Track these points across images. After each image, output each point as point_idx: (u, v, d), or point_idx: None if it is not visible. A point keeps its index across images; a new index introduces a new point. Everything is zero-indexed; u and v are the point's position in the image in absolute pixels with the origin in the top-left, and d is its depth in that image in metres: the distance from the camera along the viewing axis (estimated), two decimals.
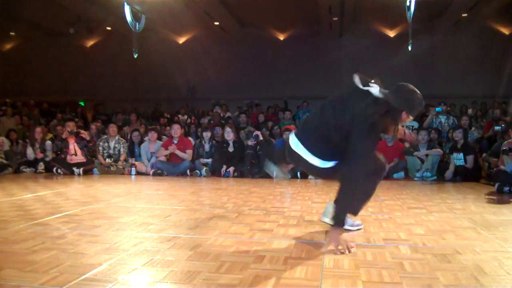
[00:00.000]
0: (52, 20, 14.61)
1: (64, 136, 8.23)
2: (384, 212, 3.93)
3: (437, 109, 8.89)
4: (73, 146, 7.99)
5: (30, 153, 8.55)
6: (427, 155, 7.29)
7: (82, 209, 4.11)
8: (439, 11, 13.35)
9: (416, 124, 9.06)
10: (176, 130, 8.00)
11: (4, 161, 8.29)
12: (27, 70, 16.83)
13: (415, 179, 7.18)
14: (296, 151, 2.89)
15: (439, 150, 7.38)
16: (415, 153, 7.39)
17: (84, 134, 8.35)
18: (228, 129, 8.04)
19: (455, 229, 3.23)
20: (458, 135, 7.14)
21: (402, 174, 7.53)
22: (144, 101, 14.97)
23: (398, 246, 2.71)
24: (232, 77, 15.91)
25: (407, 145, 7.96)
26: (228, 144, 7.95)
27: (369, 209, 4.08)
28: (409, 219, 3.60)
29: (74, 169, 7.79)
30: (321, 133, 2.82)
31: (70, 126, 8.24)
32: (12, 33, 16.74)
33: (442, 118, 8.89)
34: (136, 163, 8.09)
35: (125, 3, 11.16)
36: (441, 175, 7.15)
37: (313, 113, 3.28)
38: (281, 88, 15.26)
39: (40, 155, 8.41)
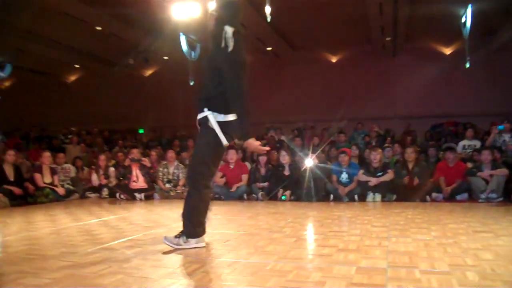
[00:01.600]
0: (112, 51, 15.40)
1: (126, 163, 8.58)
2: (448, 236, 3.79)
3: (499, 127, 8.54)
4: (135, 172, 8.31)
5: (94, 179, 8.96)
6: (491, 176, 6.98)
7: (144, 233, 4.25)
8: (497, 26, 12.91)
9: (478, 144, 8.75)
10: (231, 156, 8.13)
11: (71, 187, 8.73)
12: (89, 100, 17.73)
13: (480, 200, 6.86)
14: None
15: (504, 170, 7.03)
16: (479, 173, 7.09)
17: (145, 161, 8.65)
18: (283, 153, 8.08)
19: None
20: None
21: (465, 195, 7.23)
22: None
23: (465, 273, 2.60)
24: (285, 101, 16.01)
25: (469, 165, 7.68)
26: (284, 168, 7.97)
27: (432, 233, 3.96)
28: (476, 244, 3.45)
29: (136, 194, 8.07)
30: None
31: (134, 152, 8.59)
32: (76, 66, 17.77)
33: (506, 137, 8.50)
34: None
35: (181, 33, 11.62)
36: (507, 196, 6.81)
37: None
38: (335, 110, 15.20)
39: (104, 181, 8.79)
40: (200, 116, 3.47)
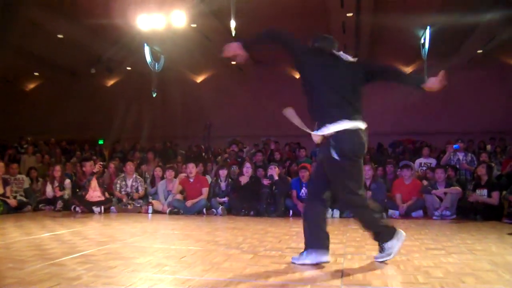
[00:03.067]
0: (74, 60, 15.10)
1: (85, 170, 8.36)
2: (402, 254, 3.85)
3: (454, 146, 8.82)
4: (95, 183, 8.08)
5: (49, 191, 8.66)
6: (445, 193, 7.19)
7: (98, 249, 4.13)
8: (454, 48, 13.44)
9: (434, 162, 8.99)
10: (191, 169, 8.06)
11: (24, 199, 8.42)
12: (48, 109, 17.30)
13: (434, 218, 7.06)
14: None
15: (457, 188, 7.27)
16: (433, 191, 7.29)
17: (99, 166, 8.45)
18: (247, 164, 8.10)
19: (475, 271, 3.15)
20: (482, 170, 7.07)
21: (420, 213, 7.43)
22: (159, 138, 15.11)
23: None
24: (248, 115, 16.09)
25: (425, 182, 7.88)
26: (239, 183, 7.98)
27: None
28: (428, 261, 3.53)
29: (94, 208, 7.84)
30: None
31: (87, 166, 8.37)
32: (36, 73, 17.31)
33: (460, 155, 8.80)
34: (153, 201, 8.14)
35: (145, 44, 11.53)
36: (460, 214, 7.03)
37: None
38: (295, 125, 15.34)
39: (59, 193, 8.51)
40: None
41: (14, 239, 4.78)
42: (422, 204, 7.45)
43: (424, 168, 9.06)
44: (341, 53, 3.48)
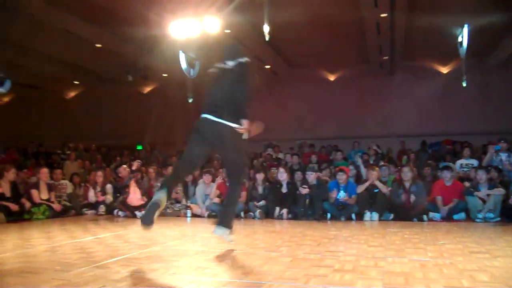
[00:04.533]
0: (111, 68, 15.49)
1: (121, 175, 8.56)
2: (445, 257, 3.78)
3: (496, 147, 8.57)
4: (134, 187, 8.26)
5: (91, 195, 8.92)
6: (489, 195, 6.98)
7: (140, 252, 4.23)
8: (493, 45, 13.05)
9: (475, 163, 8.76)
10: (223, 174, 8.14)
11: (67, 204, 8.70)
12: (88, 116, 17.80)
13: (477, 220, 6.85)
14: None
15: (501, 189, 7.04)
16: (476, 193, 7.09)
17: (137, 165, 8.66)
18: (281, 170, 8.09)
19: None
20: None
21: (463, 215, 7.22)
22: None
23: None
24: (283, 118, 16.08)
25: (466, 184, 7.68)
26: (281, 185, 7.97)
27: (428, 254, 3.95)
28: (472, 265, 3.44)
29: (137, 212, 8.00)
30: None
31: (121, 171, 8.59)
32: (76, 82, 17.85)
33: (503, 156, 8.52)
34: (191, 205, 8.25)
35: (181, 51, 11.71)
36: (504, 216, 6.81)
37: None
38: (331, 127, 15.27)
39: (101, 198, 8.75)
40: None
41: (60, 242, 4.95)
42: (464, 207, 7.25)
43: (465, 169, 8.84)
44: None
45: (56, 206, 8.17)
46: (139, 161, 8.74)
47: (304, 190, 7.53)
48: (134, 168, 8.46)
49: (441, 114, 14.69)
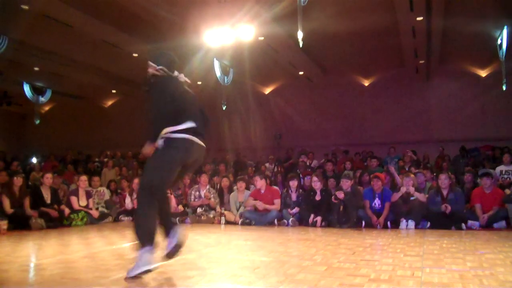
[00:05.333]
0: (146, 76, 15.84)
1: None
2: (485, 267, 3.67)
3: None
4: (169, 194, 8.38)
5: (128, 202, 9.09)
6: None
7: (176, 259, 4.27)
8: None
9: None
10: (257, 183, 8.15)
11: (105, 210, 8.90)
12: (125, 124, 18.19)
13: None
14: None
15: None
16: None
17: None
18: (315, 178, 8.04)
19: None
20: None
21: (503, 224, 6.98)
22: (229, 150, 15.32)
23: None
24: (317, 124, 16.02)
25: (507, 192, 7.44)
26: (315, 193, 7.93)
27: (467, 264, 3.85)
28: None
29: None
30: None
31: None
32: (113, 91, 18.31)
33: None
34: (225, 212, 8.31)
35: (215, 59, 11.86)
36: None
37: None
38: (367, 133, 15.09)
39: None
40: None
41: (99, 248, 5.07)
42: (505, 215, 7.00)
43: (506, 176, 8.56)
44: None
45: (94, 213, 8.37)
46: None
47: (340, 195, 7.41)
48: None
49: (480, 119, 14.31)
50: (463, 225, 6.86)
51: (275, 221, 7.82)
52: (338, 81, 16.06)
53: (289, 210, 7.96)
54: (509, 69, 11.52)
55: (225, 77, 12.21)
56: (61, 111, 19.68)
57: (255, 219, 7.89)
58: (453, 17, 10.31)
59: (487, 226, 6.92)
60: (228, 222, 8.15)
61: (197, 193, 8.71)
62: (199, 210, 8.48)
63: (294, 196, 8.16)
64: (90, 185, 9.02)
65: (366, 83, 16.42)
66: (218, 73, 11.90)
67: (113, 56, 13.36)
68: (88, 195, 8.55)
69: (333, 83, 16.13)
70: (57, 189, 8.77)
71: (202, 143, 3.67)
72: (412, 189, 7.35)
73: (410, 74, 14.91)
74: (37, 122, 17.03)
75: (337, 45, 13.02)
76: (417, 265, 3.81)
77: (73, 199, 8.26)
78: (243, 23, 9.55)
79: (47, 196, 8.01)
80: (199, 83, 16.28)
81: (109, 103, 20.01)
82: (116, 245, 5.36)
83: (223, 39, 10.01)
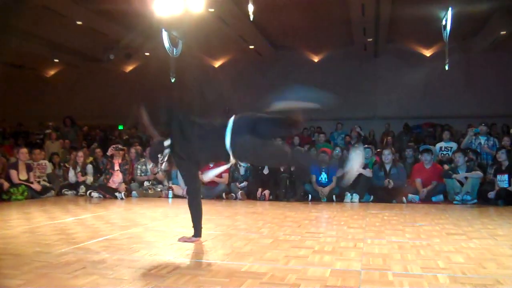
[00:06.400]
0: (93, 47, 15.21)
1: (109, 153, 8.45)
2: (422, 239, 3.85)
3: (475, 130, 8.68)
4: (117, 169, 8.18)
5: (71, 175, 8.81)
6: (466, 178, 7.10)
7: (121, 233, 4.21)
8: (476, 29, 13.13)
9: (455, 146, 8.88)
10: None
11: (47, 184, 8.57)
12: (69, 95, 17.51)
13: (455, 202, 6.96)
14: None
15: (479, 172, 7.16)
16: (454, 175, 7.20)
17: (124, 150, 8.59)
18: None
19: (496, 257, 3.14)
20: (501, 156, 6.97)
21: (441, 197, 7.35)
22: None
23: (436, 275, 2.66)
24: (266, 99, 16.04)
25: (446, 167, 7.79)
26: (263, 167, 7.98)
27: (406, 235, 4.02)
28: (448, 246, 3.52)
29: (117, 194, 7.94)
30: None
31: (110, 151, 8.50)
32: (56, 60, 17.48)
33: (482, 139, 8.65)
34: (173, 186, 8.23)
35: (163, 30, 11.52)
36: (481, 198, 6.95)
37: None
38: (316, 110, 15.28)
39: (81, 178, 8.66)
40: None
41: (40, 223, 4.90)
42: (443, 189, 7.37)
43: (445, 152, 8.95)
44: None
45: (36, 186, 8.05)
46: (120, 146, 8.62)
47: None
48: (109, 153, 8.36)
49: (424, 97, 14.81)
50: (404, 199, 7.15)
51: (223, 195, 7.83)
52: (288, 56, 16.08)
53: (237, 183, 7.99)
54: (452, 50, 11.93)
55: (174, 49, 11.90)
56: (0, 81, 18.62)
57: (202, 192, 7.83)
58: None
59: (426, 199, 7.26)
60: (176, 196, 8.08)
61: (144, 167, 8.57)
62: (146, 184, 8.36)
63: (242, 170, 8.19)
64: (31, 158, 8.66)
65: (316, 59, 16.54)
66: (166, 44, 11.56)
67: (55, 23, 12.69)
68: (29, 168, 8.19)
69: (283, 58, 16.14)
70: None
71: None
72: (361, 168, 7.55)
73: (359, 51, 15.14)
74: None
75: (287, 20, 12.98)
76: (360, 237, 3.95)
77: (13, 172, 7.89)
78: None
79: None
80: (147, 54, 15.88)
81: (51, 73, 19.11)
82: (58, 219, 5.20)
83: (171, 9, 9.71)
